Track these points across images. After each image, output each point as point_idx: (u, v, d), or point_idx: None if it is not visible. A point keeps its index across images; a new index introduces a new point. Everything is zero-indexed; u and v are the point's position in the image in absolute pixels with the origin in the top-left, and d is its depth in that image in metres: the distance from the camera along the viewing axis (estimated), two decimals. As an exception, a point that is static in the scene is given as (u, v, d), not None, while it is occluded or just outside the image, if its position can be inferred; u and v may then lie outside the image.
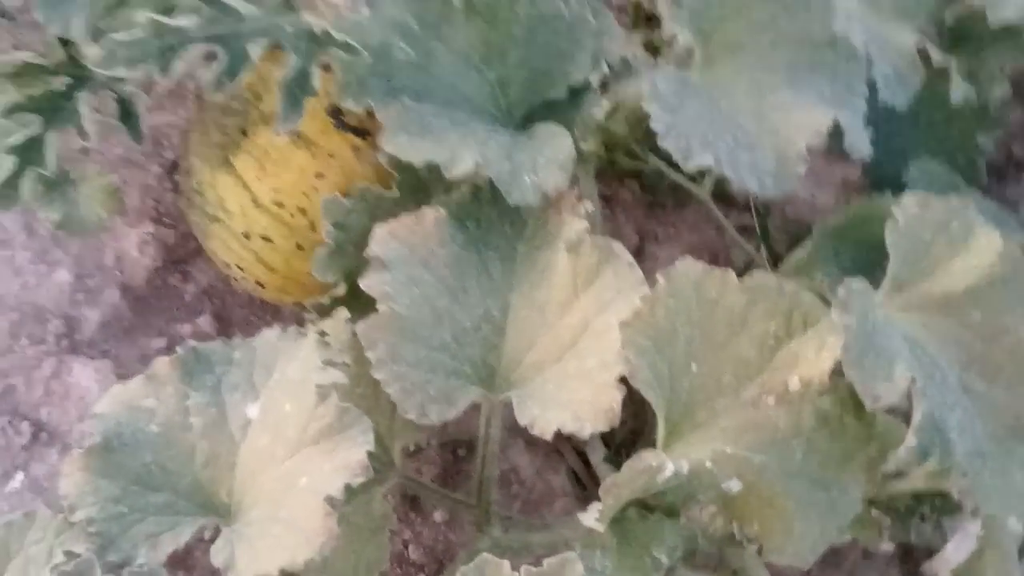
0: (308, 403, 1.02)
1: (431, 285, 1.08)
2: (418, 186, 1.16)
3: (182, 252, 1.40)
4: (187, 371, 1.07)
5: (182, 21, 0.99)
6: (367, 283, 1.05)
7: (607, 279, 1.07)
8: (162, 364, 1.07)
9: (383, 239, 1.06)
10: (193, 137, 1.25)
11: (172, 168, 1.41)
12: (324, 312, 1.18)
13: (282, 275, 1.23)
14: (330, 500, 0.96)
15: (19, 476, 1.28)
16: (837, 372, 1.04)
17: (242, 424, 1.06)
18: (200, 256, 1.38)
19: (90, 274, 1.37)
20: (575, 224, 1.10)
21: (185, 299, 1.40)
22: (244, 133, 1.20)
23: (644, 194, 1.59)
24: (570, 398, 1.05)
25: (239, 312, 1.39)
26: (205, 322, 1.38)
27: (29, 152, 1.11)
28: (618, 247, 1.08)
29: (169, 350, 1.23)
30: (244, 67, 1.02)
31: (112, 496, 1.02)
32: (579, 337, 1.07)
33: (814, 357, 1.05)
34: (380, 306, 1.05)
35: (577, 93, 1.19)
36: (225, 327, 1.38)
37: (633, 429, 1.33)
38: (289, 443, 1.03)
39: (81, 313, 1.36)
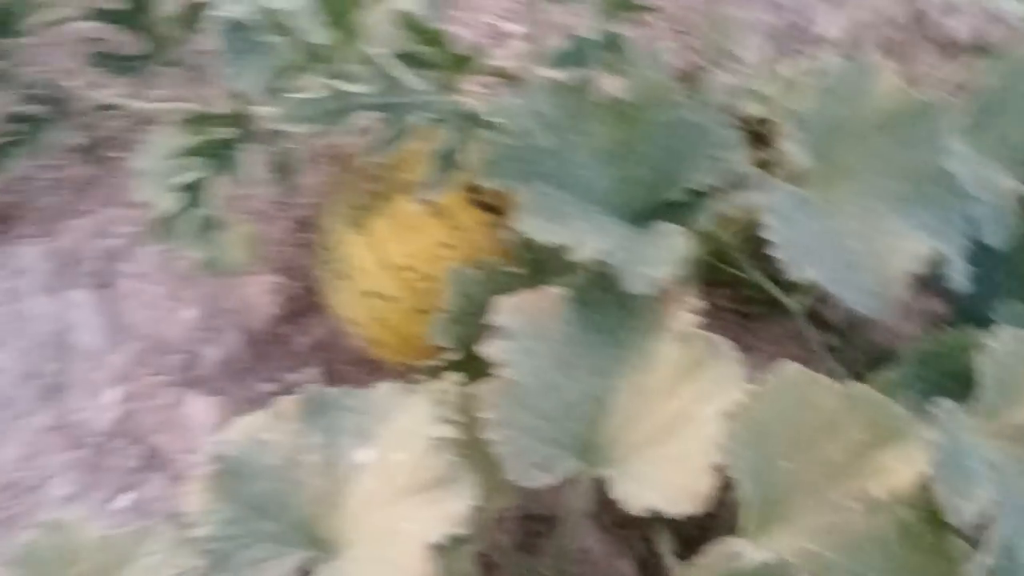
0: (418, 453, 1.09)
1: (546, 358, 1.15)
2: (538, 265, 1.24)
3: (300, 305, 1.48)
4: (307, 411, 1.15)
5: (356, 88, 1.08)
6: (490, 349, 1.12)
7: (711, 372, 1.13)
8: (286, 402, 1.15)
9: (509, 311, 1.14)
10: (331, 197, 1.34)
11: (300, 224, 1.50)
12: (431, 373, 1.25)
13: (398, 335, 1.31)
14: (432, 546, 1.02)
15: (127, 496, 1.35)
16: (920, 485, 1.09)
17: (351, 467, 1.13)
18: (316, 311, 1.46)
19: (214, 315, 1.46)
20: (684, 317, 1.17)
21: (297, 349, 1.48)
22: (382, 198, 1.29)
23: (735, 303, 1.65)
24: (664, 479, 1.10)
25: (345, 367, 1.47)
26: (313, 373, 1.46)
27: (191, 194, 1.20)
28: (723, 343, 1.15)
29: (276, 395, 1.31)
30: (404, 137, 1.11)
31: (229, 518, 1.09)
32: (677, 423, 1.13)
33: (900, 468, 1.10)
34: (499, 372, 1.11)
35: (694, 197, 1.27)
36: (331, 380, 1.46)
37: (702, 525, 1.38)
38: (396, 489, 1.10)
39: (202, 350, 1.45)
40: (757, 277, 1.49)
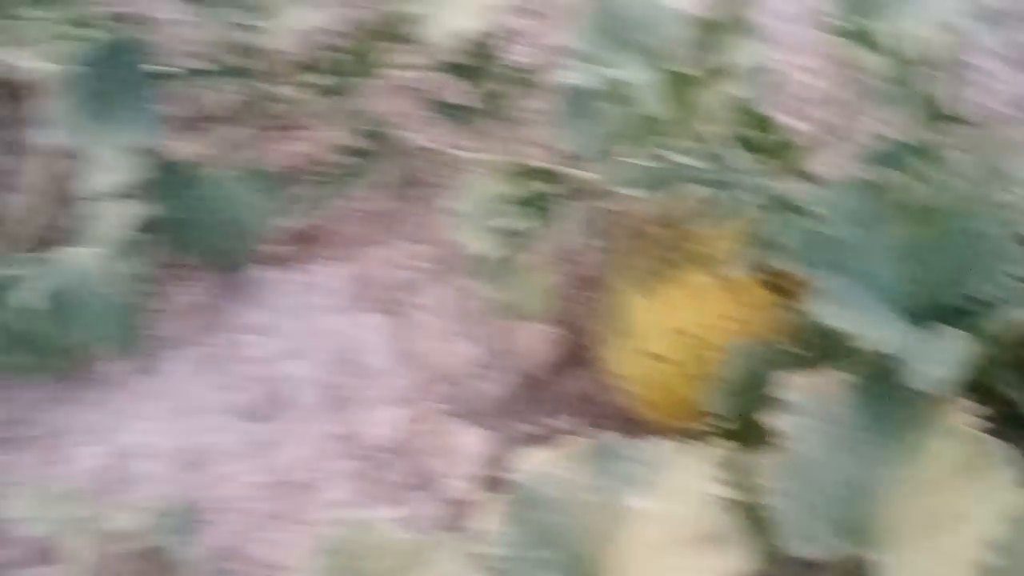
0: (693, 508, 1.17)
1: (826, 437, 1.20)
2: (819, 349, 1.30)
3: (571, 356, 1.57)
4: (593, 455, 1.23)
5: (687, 161, 1.17)
6: (776, 422, 1.18)
7: (986, 473, 1.17)
8: (578, 443, 1.23)
9: (798, 388, 1.20)
10: (620, 259, 1.43)
11: (581, 280, 1.59)
12: (695, 437, 1.32)
13: (671, 398, 1.39)
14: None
15: (395, 510, 1.45)
16: None
17: (627, 512, 1.21)
18: (585, 364, 1.55)
19: (493, 355, 1.57)
20: (961, 417, 1.22)
21: (563, 398, 1.56)
22: (673, 266, 1.37)
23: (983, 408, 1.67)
24: (932, 571, 1.14)
25: (605, 421, 1.53)
26: (573, 423, 1.54)
27: (509, 240, 1.31)
28: (999, 446, 1.19)
29: (539, 437, 1.40)
30: (731, 213, 1.19)
31: (517, 542, 1.17)
32: (948, 519, 1.17)
33: None
34: (783, 444, 1.18)
35: (973, 305, 1.31)
36: (591, 431, 1.53)
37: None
38: (670, 539, 1.16)
39: (478, 386, 1.55)
40: (1015, 393, 1.52)
